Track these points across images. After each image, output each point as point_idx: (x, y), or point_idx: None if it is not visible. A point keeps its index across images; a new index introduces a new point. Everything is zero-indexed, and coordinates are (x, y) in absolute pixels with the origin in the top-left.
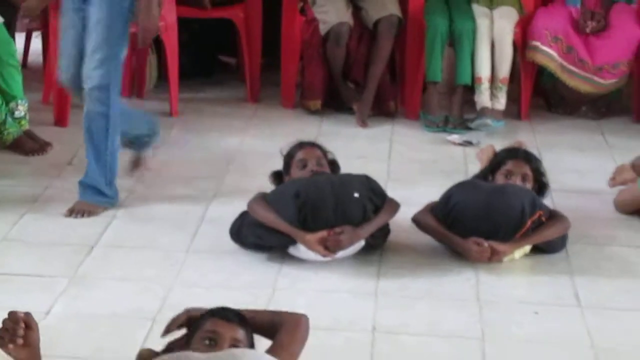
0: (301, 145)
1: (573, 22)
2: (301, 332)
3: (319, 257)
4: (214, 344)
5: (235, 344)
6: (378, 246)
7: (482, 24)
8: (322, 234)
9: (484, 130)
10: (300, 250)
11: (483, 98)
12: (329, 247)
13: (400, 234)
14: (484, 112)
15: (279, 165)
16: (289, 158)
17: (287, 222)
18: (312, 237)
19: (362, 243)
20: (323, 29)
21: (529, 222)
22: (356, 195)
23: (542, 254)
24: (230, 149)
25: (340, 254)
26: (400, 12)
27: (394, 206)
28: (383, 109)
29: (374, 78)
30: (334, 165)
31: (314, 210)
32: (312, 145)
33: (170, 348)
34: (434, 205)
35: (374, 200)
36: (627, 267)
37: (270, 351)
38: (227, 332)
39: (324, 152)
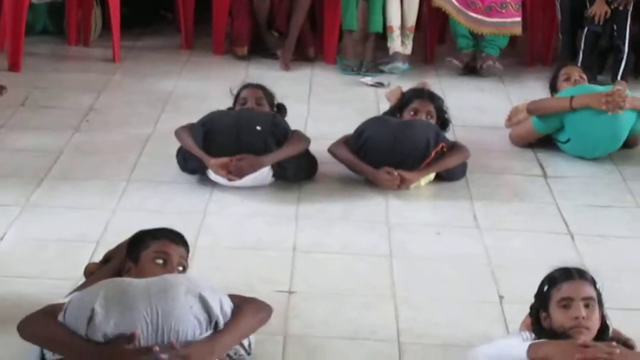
0: (247, 85)
1: None
2: (263, 314)
3: (225, 181)
4: (164, 263)
5: (181, 263)
6: (296, 178)
7: None
8: (224, 159)
9: (395, 72)
10: (211, 174)
11: (395, 44)
12: (232, 172)
13: (319, 164)
14: (396, 56)
15: (211, 105)
16: (235, 96)
17: (199, 148)
18: (216, 161)
19: (267, 171)
20: None
21: (432, 153)
22: (258, 128)
23: (445, 182)
24: (166, 91)
25: (248, 180)
26: None
27: (301, 141)
28: (303, 54)
29: (295, 26)
30: (280, 108)
31: (216, 138)
32: (256, 86)
33: (107, 259)
34: (348, 138)
35: (276, 134)
36: (519, 193)
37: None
38: (176, 253)
39: (268, 94)
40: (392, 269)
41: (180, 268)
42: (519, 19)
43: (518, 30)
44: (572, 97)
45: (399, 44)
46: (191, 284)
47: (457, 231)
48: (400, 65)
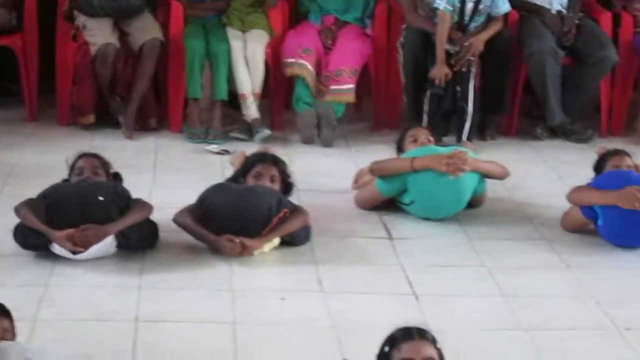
0: (82, 155)
1: (319, 37)
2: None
3: (70, 254)
4: None
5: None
6: (139, 246)
7: (236, 45)
8: (69, 231)
9: (263, 138)
10: (55, 247)
11: (251, 111)
12: (77, 243)
13: (163, 233)
14: (256, 122)
15: (56, 176)
16: (71, 166)
17: (41, 222)
18: (60, 234)
19: (111, 241)
20: (92, 49)
21: (275, 219)
22: (100, 198)
23: (289, 247)
24: (9, 164)
25: (92, 251)
26: (162, 36)
27: (144, 208)
28: (145, 124)
29: (138, 93)
30: (116, 176)
31: (58, 210)
32: (92, 155)
33: None
34: (192, 207)
35: (117, 202)
36: (364, 255)
37: None
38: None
39: (104, 163)
40: (236, 336)
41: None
42: (352, 85)
43: (351, 98)
44: (413, 158)
45: (255, 110)
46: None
47: (302, 296)
48: (266, 130)
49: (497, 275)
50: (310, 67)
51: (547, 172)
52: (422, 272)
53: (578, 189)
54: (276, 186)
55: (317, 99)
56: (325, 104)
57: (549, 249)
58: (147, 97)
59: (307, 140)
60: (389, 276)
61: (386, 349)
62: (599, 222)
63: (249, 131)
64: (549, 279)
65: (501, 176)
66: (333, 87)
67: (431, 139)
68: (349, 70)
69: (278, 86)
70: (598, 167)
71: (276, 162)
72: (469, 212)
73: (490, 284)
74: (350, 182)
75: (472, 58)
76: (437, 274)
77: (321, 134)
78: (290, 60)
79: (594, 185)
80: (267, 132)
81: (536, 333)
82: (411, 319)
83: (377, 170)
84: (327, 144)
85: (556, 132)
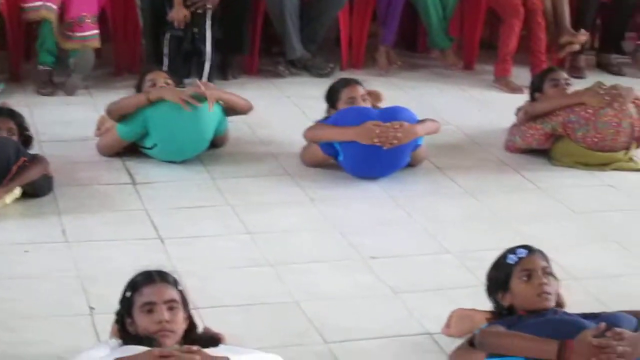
0: None
1: None
2: None
3: None
4: None
5: None
6: None
7: None
8: None
9: None
10: None
11: None
12: None
13: None
14: None
15: None
16: None
17: None
18: None
19: None
20: None
21: (14, 168)
22: None
23: (32, 198)
24: None
25: None
26: None
27: None
28: None
29: None
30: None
31: None
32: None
33: None
34: None
35: None
36: (108, 203)
37: None
38: None
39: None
40: None
41: None
42: (97, 31)
43: (97, 43)
44: (149, 91)
45: None
46: None
47: (46, 247)
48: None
49: (242, 213)
50: (56, 10)
51: (290, 108)
52: (167, 215)
53: (315, 126)
54: (15, 139)
55: (61, 46)
56: (78, 52)
57: (293, 184)
58: None
59: (47, 93)
60: (134, 222)
61: (128, 294)
62: (340, 157)
63: None
64: (294, 213)
65: (244, 108)
66: (78, 34)
67: (169, 81)
68: (91, 16)
69: (16, 36)
70: (331, 98)
71: (12, 115)
72: (212, 152)
73: (235, 222)
74: (92, 129)
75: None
76: (182, 216)
77: (69, 80)
78: (35, 4)
79: (333, 122)
80: (1, 85)
81: (282, 267)
82: (156, 263)
83: (115, 111)
84: (71, 91)
85: (298, 68)
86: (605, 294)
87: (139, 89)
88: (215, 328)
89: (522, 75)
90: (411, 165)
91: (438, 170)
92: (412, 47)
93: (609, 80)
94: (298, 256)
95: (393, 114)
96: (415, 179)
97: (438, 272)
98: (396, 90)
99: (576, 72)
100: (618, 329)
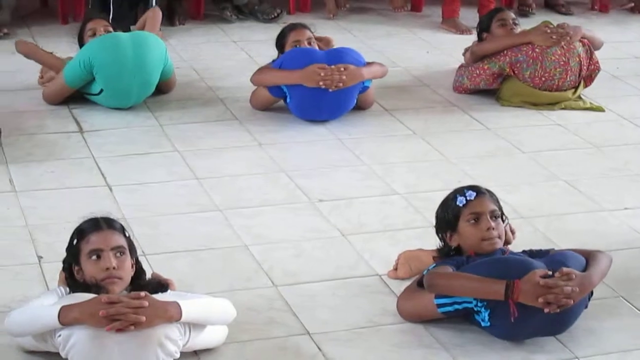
0: None
1: None
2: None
3: None
4: None
5: None
6: None
7: None
8: None
9: None
10: None
11: None
12: None
13: None
14: None
15: None
16: None
17: None
18: None
19: None
20: None
21: None
22: None
23: None
24: None
25: None
26: None
27: None
28: None
29: None
30: None
31: None
32: None
33: None
34: None
35: None
36: (55, 151)
37: None
38: None
39: None
40: None
41: None
42: None
43: None
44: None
45: None
46: None
47: None
48: None
49: (190, 159)
50: None
51: (236, 52)
52: (114, 162)
53: (261, 70)
54: None
55: None
56: None
57: (241, 129)
58: None
59: None
60: (82, 170)
61: (75, 241)
62: (288, 100)
63: None
64: (242, 157)
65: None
66: None
67: (110, 29)
68: None
69: None
70: (280, 44)
71: None
72: (159, 98)
73: (183, 168)
74: (36, 78)
75: None
76: (129, 163)
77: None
78: None
79: (278, 65)
80: None
81: (230, 212)
82: (104, 210)
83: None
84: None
85: (244, 13)
86: (553, 231)
87: (80, 38)
88: (164, 274)
89: (470, 17)
90: (360, 107)
91: (386, 112)
92: None
93: (557, 19)
94: (246, 201)
95: (339, 56)
96: (363, 121)
97: (386, 213)
98: (345, 34)
99: (525, 10)
100: (566, 269)
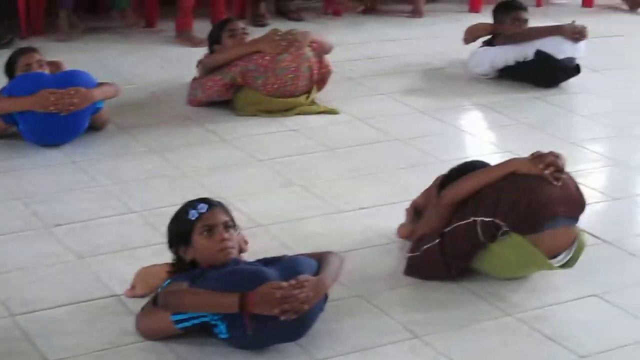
0: None
1: None
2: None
3: None
4: None
5: None
6: None
7: None
8: None
9: None
10: None
11: None
12: None
13: None
14: None
15: None
16: None
17: None
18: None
19: None
20: None
21: None
22: None
23: None
24: None
25: None
26: None
27: None
28: None
29: None
30: None
31: None
32: None
33: None
34: None
35: None
36: None
37: None
38: None
39: None
40: None
41: None
42: None
43: None
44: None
45: None
46: None
47: None
48: None
49: None
50: None
51: None
52: None
53: None
54: None
55: None
56: None
57: None
58: None
59: None
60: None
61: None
62: (20, 126)
63: None
64: None
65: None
66: None
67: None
68: None
69: None
70: (10, 70)
71: None
72: None
73: None
74: None
75: None
76: None
77: None
78: None
79: (8, 92)
80: None
81: None
82: None
83: None
84: None
85: None
86: (290, 237)
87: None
88: None
89: (204, 29)
90: (94, 128)
91: (121, 131)
92: (92, 9)
93: (289, 26)
94: None
95: (69, 79)
96: (98, 141)
97: (123, 232)
98: (79, 54)
99: (259, 20)
100: (301, 277)
